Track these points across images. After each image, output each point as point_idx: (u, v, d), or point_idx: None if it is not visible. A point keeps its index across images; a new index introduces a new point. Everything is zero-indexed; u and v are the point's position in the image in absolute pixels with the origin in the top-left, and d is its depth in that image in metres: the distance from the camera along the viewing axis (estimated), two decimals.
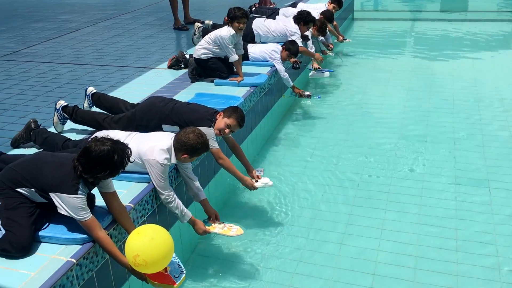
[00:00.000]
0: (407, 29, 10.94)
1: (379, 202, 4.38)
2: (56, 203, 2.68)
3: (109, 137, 2.76)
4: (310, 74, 7.39)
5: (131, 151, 2.78)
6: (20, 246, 2.64)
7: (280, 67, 5.94)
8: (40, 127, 3.89)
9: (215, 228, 3.62)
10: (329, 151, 5.34)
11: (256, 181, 4.09)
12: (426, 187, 4.58)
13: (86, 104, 4.50)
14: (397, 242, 3.84)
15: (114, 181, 3.33)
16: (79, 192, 2.65)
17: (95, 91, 4.50)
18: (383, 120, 6.11)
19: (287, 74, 6.01)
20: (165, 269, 2.82)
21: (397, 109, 6.43)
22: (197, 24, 7.00)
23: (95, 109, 4.47)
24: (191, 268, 3.63)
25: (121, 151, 2.68)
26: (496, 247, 3.73)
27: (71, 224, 2.78)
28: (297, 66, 6.22)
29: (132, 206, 3.16)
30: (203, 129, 3.83)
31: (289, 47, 5.97)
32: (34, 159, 2.86)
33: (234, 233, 3.60)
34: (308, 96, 6.19)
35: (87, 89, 4.54)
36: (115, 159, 2.64)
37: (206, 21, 7.53)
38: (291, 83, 6.09)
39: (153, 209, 3.40)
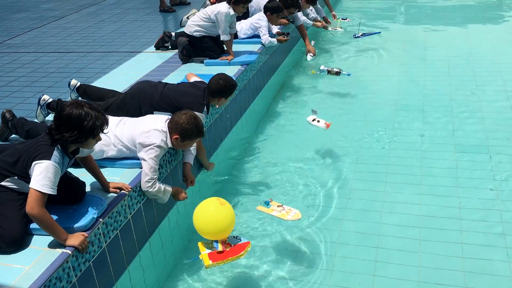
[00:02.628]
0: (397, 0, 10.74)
1: (379, 175, 4.31)
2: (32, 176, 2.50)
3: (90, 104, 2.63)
4: (308, 58, 7.18)
5: (107, 124, 2.64)
6: (12, 240, 2.54)
7: (264, 32, 5.78)
8: (15, 116, 3.69)
9: (273, 211, 3.61)
10: None
11: (318, 121, 4.41)
12: (426, 157, 4.50)
13: (73, 98, 4.31)
14: (400, 214, 3.78)
15: (107, 169, 3.27)
16: (52, 157, 2.49)
17: (79, 83, 4.26)
18: (379, 92, 6.01)
19: (270, 39, 5.81)
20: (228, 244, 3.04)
21: (393, 80, 6.33)
22: (194, 10, 6.82)
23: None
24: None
25: (95, 118, 2.54)
26: (500, 213, 3.67)
27: (63, 213, 2.69)
28: (286, 38, 6.09)
29: (126, 192, 3.07)
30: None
31: (267, 6, 5.81)
32: (10, 151, 2.70)
33: (291, 218, 3.56)
34: (337, 73, 5.95)
35: (70, 82, 4.27)
36: (85, 124, 2.51)
37: None
38: (275, 42, 5.89)
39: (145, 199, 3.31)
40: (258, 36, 5.92)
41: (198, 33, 5.26)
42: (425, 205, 3.85)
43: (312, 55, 6.58)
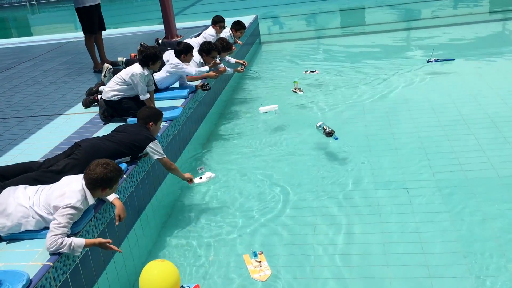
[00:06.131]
0: (314, 47, 11.35)
1: (310, 211, 4.42)
2: None
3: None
4: (260, 109, 7.05)
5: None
6: None
7: (189, 70, 6.08)
8: None
9: (250, 263, 3.84)
10: (248, 184, 5.33)
11: (201, 178, 4.79)
12: (349, 197, 4.69)
13: None
14: (329, 255, 3.89)
15: (27, 241, 3.17)
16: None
17: None
18: (294, 136, 6.20)
19: (197, 69, 6.16)
20: None
21: (310, 123, 6.55)
22: (107, 65, 6.83)
23: None
24: None
25: None
26: (421, 245, 3.88)
27: None
28: (206, 88, 6.26)
29: (51, 264, 2.95)
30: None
31: (177, 49, 6.11)
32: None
33: (257, 277, 3.70)
34: (329, 134, 5.61)
35: None
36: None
37: (119, 58, 7.41)
38: (206, 70, 6.23)
39: (75, 264, 3.19)
40: (178, 87, 6.16)
41: (116, 97, 5.29)
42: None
43: (264, 111, 6.72)
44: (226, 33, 8.47)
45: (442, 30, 11.18)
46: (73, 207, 3.09)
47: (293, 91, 7.76)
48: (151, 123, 4.41)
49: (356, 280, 3.60)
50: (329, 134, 5.59)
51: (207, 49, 6.59)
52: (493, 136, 5.50)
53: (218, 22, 8.21)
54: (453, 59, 8.56)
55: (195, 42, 7.43)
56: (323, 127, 5.70)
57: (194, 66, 6.25)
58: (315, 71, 8.81)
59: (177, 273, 3.43)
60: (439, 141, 5.58)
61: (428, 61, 8.59)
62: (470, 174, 4.79)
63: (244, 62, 7.94)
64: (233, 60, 7.88)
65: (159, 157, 4.31)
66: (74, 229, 3.22)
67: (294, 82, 7.90)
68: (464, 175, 4.80)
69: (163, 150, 4.39)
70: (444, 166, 4.99)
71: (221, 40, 7.32)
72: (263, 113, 6.68)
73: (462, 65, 8.26)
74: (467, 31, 10.79)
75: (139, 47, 7.18)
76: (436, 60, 8.54)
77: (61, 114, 5.98)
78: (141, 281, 3.37)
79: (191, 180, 4.68)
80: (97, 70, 8.05)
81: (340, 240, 4.07)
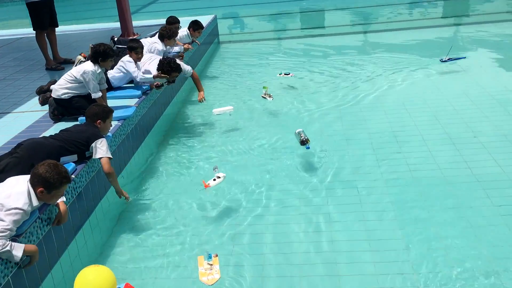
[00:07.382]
0: (274, 47, 11.40)
1: (265, 216, 4.47)
2: None
3: None
4: (214, 110, 6.83)
5: None
6: None
7: (133, 71, 5.94)
8: None
9: (201, 266, 3.78)
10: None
11: (214, 179, 4.59)
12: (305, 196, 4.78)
13: None
14: (284, 254, 3.95)
15: None
16: None
17: None
18: (252, 136, 6.25)
19: (144, 75, 5.97)
20: None
21: (265, 121, 6.65)
22: (80, 58, 6.66)
23: None
24: None
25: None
26: (369, 242, 3.98)
27: None
28: (159, 86, 6.19)
29: None
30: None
31: (128, 46, 5.99)
32: None
33: (205, 281, 3.64)
34: (302, 142, 5.41)
35: None
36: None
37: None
38: (151, 78, 6.02)
39: (18, 266, 3.11)
40: (132, 86, 6.09)
41: (67, 95, 5.17)
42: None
43: (218, 112, 6.61)
44: (183, 32, 8.43)
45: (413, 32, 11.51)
46: (20, 210, 3.03)
47: (263, 97, 7.27)
48: (99, 121, 4.32)
49: (303, 279, 3.67)
50: (303, 142, 5.46)
51: (167, 71, 6.06)
52: (439, 138, 5.70)
53: (172, 23, 8.11)
54: (464, 57, 8.49)
55: (147, 42, 7.29)
56: (300, 134, 5.62)
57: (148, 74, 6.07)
58: (289, 74, 8.25)
59: (113, 277, 3.26)
60: (388, 142, 5.74)
61: (442, 60, 8.44)
62: (417, 174, 4.97)
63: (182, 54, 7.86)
64: (177, 49, 7.83)
65: (101, 155, 4.14)
66: (18, 230, 3.14)
67: (264, 88, 7.38)
68: (411, 175, 4.97)
69: (113, 151, 4.31)
70: (393, 167, 5.15)
71: (164, 28, 7.26)
72: (217, 114, 6.66)
73: (425, 68, 8.47)
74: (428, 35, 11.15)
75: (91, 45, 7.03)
76: (450, 59, 8.41)
77: (9, 112, 5.80)
78: None
79: (206, 185, 4.51)
80: (49, 67, 7.84)
81: (293, 239, 4.14)
